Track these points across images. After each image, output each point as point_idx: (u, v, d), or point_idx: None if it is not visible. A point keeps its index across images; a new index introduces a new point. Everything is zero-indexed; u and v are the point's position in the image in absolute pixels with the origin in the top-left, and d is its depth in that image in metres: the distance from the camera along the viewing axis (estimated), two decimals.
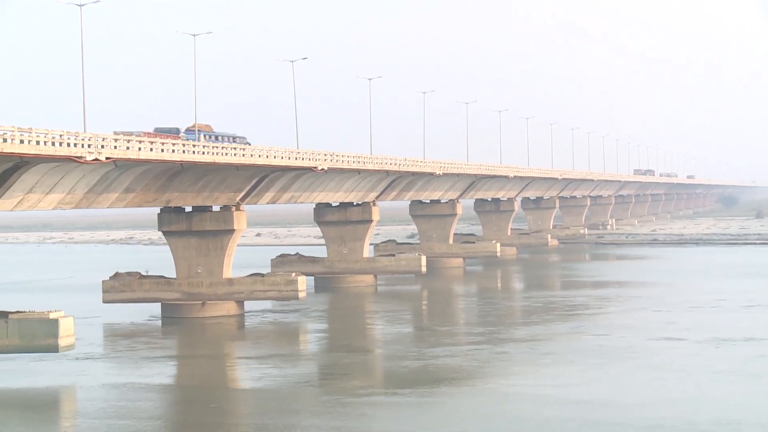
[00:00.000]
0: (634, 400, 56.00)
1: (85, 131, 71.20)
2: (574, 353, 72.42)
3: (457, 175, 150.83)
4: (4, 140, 61.52)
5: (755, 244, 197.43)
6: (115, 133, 78.61)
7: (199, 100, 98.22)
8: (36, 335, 65.14)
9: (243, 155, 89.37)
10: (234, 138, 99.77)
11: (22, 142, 62.74)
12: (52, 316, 65.56)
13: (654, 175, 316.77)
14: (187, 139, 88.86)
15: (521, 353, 73.55)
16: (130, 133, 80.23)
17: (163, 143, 78.02)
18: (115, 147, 71.65)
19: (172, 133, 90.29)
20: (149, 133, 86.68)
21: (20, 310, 68.10)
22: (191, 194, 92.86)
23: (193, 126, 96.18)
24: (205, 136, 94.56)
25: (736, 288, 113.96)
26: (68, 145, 66.73)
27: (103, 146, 69.97)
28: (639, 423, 50.29)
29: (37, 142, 64.00)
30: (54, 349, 65.39)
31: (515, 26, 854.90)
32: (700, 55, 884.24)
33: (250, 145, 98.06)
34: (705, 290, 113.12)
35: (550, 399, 56.82)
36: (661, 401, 55.40)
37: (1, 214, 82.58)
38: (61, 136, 66.24)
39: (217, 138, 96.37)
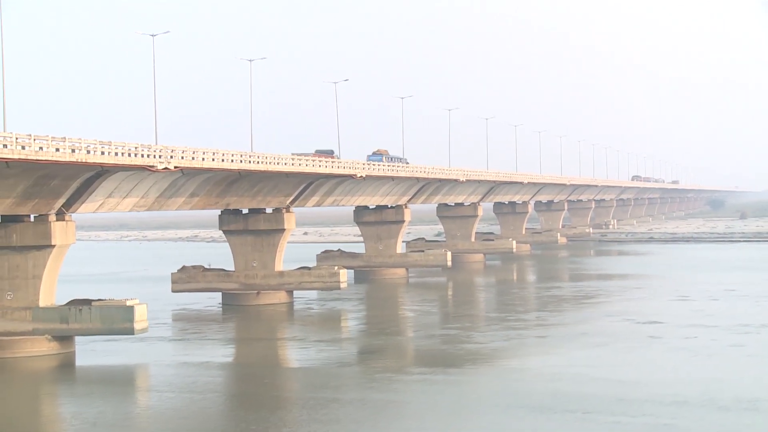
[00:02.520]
0: (662, 379, 54.88)
1: (156, 144, 71.53)
2: (605, 337, 71.05)
3: (479, 181, 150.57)
4: (88, 152, 61.92)
5: (739, 241, 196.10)
6: (293, 154, 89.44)
7: (247, 118, 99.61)
8: (114, 320, 65.82)
9: (292, 165, 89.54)
10: (401, 159, 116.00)
11: (103, 153, 63.15)
12: (128, 303, 66.16)
13: (642, 180, 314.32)
14: (372, 162, 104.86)
15: (552, 337, 72.17)
16: (302, 155, 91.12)
17: (224, 154, 78.28)
18: (182, 157, 71.93)
19: (328, 153, 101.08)
20: (313, 153, 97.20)
21: (101, 298, 68.76)
22: (248, 198, 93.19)
23: (378, 151, 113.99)
24: (384, 158, 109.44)
25: (738, 280, 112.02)
26: (142, 155, 67.05)
27: (171, 157, 70.28)
28: (665, 400, 49.20)
29: (116, 154, 64.36)
30: (130, 332, 66.04)
31: (529, 52, 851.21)
32: (697, 66, 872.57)
33: (409, 164, 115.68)
34: (711, 281, 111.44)
35: (584, 378, 55.70)
36: (687, 381, 54.46)
37: (85, 215, 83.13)
38: (136, 148, 66.59)
39: (391, 159, 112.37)
